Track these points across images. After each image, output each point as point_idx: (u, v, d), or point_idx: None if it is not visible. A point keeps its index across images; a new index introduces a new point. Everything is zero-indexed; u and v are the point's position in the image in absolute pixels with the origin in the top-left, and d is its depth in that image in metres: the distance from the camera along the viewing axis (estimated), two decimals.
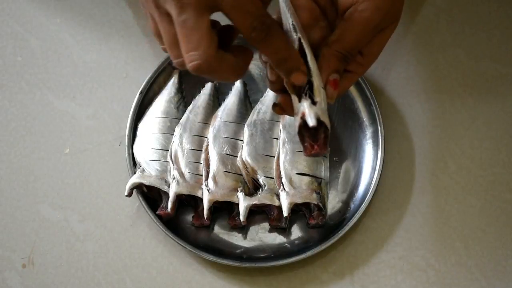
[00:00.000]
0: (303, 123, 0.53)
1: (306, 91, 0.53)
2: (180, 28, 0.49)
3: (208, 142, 0.73)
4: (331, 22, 0.58)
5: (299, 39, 0.54)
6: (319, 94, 0.53)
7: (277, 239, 0.72)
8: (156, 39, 0.53)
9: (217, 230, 0.73)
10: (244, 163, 0.72)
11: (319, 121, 0.52)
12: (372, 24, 0.54)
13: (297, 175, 0.71)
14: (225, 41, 0.52)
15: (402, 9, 0.57)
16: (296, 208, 0.70)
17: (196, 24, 0.48)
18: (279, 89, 0.56)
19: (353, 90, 0.76)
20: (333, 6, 0.57)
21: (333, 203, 0.73)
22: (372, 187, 0.71)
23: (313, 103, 0.52)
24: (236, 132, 0.74)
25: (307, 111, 0.52)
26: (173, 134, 0.74)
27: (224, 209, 0.72)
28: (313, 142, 0.53)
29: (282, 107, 0.56)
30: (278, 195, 0.71)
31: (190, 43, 0.48)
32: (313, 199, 0.70)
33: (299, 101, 0.53)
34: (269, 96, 0.75)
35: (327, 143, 0.54)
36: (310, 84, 0.53)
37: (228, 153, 0.72)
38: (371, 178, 0.72)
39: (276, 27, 0.50)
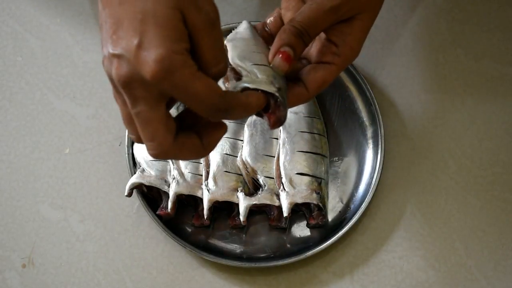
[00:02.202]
0: None
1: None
2: (135, 118, 0.47)
3: None
4: None
5: None
6: (245, 70, 0.52)
7: (277, 239, 0.72)
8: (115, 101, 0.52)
9: (217, 230, 0.73)
10: (244, 163, 0.72)
11: (248, 88, 0.51)
12: (326, 5, 0.54)
13: (297, 175, 0.71)
14: (193, 120, 0.50)
15: (375, 1, 0.57)
16: (296, 208, 0.70)
17: (149, 117, 0.46)
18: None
19: (353, 90, 0.76)
20: None
21: (333, 203, 0.73)
22: (372, 187, 0.71)
23: (239, 79, 0.52)
24: (236, 132, 0.74)
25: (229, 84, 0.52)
26: None
27: (224, 209, 0.72)
28: (266, 112, 0.52)
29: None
30: (278, 195, 0.71)
31: (146, 134, 0.48)
32: (313, 199, 0.70)
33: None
34: None
35: (281, 105, 0.52)
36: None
37: (228, 153, 0.72)
38: (371, 178, 0.72)
39: (234, 101, 0.48)
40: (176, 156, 0.49)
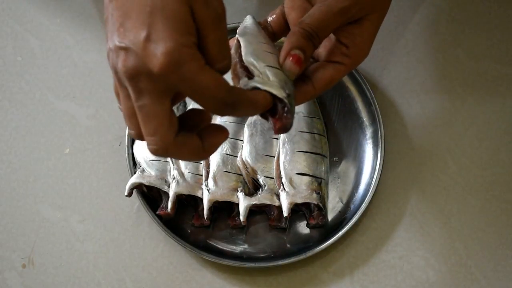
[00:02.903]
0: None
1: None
2: (138, 111, 0.47)
3: None
4: None
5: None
6: (257, 70, 0.52)
7: (277, 239, 0.72)
8: (116, 96, 0.51)
9: (217, 230, 0.73)
10: (244, 163, 0.72)
11: (258, 89, 0.51)
12: (335, 7, 0.54)
13: (297, 175, 0.71)
14: (195, 121, 0.51)
15: (384, 1, 0.57)
16: (296, 208, 0.70)
17: (153, 111, 0.46)
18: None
19: (353, 90, 0.76)
20: None
21: (333, 203, 0.73)
22: (372, 187, 0.71)
23: (251, 78, 0.52)
24: (236, 132, 0.74)
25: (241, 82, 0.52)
26: None
27: (224, 209, 0.72)
28: (273, 116, 0.52)
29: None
30: (278, 195, 0.71)
31: (148, 128, 0.47)
32: (313, 199, 0.70)
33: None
34: None
35: (289, 112, 0.51)
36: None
37: (228, 153, 0.72)
38: (371, 178, 0.72)
39: (240, 97, 0.48)
40: (176, 154, 0.49)
